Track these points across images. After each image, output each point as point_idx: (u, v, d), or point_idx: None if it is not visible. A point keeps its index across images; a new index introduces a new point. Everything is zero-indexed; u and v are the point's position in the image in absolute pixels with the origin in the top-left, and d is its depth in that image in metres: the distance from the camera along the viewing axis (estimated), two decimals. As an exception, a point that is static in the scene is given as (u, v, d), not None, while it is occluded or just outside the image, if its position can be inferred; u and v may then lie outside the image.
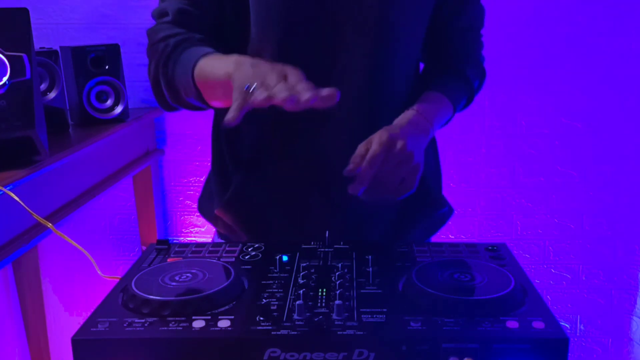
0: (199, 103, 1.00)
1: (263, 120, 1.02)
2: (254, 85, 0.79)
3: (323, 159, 1.07)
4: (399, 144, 0.95)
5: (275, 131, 1.08)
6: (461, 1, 1.14)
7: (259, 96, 0.77)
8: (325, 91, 0.77)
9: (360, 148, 0.96)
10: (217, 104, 0.98)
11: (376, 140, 0.95)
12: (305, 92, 0.76)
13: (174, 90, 1.01)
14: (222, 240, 1.19)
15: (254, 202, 1.11)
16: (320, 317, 0.75)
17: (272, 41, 1.03)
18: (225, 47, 1.00)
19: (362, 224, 1.12)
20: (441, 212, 1.19)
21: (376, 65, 1.05)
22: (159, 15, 1.06)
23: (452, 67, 1.16)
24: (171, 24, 1.03)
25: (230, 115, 0.78)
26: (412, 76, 1.14)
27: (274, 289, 0.82)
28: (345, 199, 1.04)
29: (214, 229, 1.22)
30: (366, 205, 1.09)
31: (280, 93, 0.76)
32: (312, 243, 0.98)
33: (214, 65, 0.92)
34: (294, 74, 0.81)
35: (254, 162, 1.11)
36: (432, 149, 1.20)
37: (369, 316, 0.75)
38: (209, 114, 1.19)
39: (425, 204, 1.15)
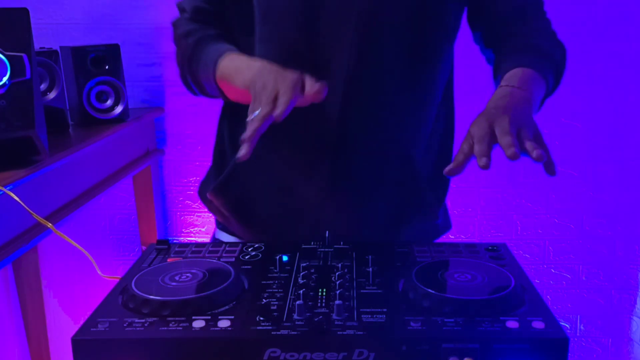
0: (224, 98, 1.06)
1: None
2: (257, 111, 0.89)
3: (320, 146, 1.06)
4: (504, 123, 0.94)
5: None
6: None
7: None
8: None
9: (464, 147, 0.92)
10: (239, 100, 1.03)
11: (476, 133, 0.92)
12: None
13: (200, 86, 1.08)
14: (221, 230, 1.19)
15: (245, 188, 1.11)
16: (320, 317, 0.75)
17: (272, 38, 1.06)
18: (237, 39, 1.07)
19: (355, 218, 1.10)
20: (434, 223, 1.16)
21: (362, 58, 1.02)
22: (180, 10, 1.14)
23: (524, 44, 1.06)
24: (189, 20, 1.11)
25: (243, 152, 0.86)
26: (415, 67, 1.08)
27: (274, 289, 0.83)
28: (337, 192, 1.04)
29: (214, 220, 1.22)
30: (360, 200, 1.09)
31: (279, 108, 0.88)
32: (312, 243, 0.98)
33: (232, 74, 0.98)
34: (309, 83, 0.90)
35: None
36: (431, 158, 1.15)
37: (369, 316, 0.75)
38: (209, 114, 1.19)
39: (417, 212, 1.12)
